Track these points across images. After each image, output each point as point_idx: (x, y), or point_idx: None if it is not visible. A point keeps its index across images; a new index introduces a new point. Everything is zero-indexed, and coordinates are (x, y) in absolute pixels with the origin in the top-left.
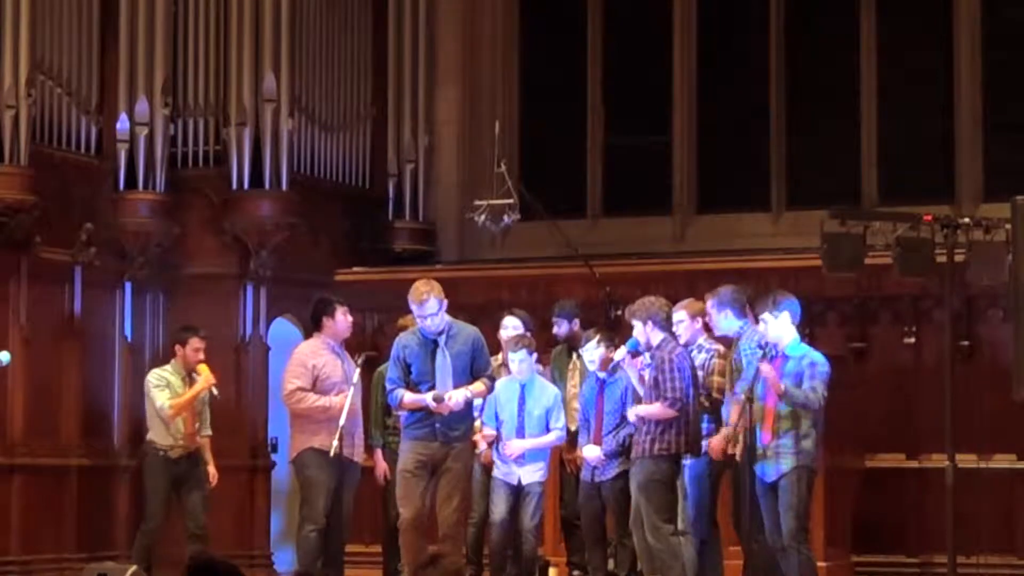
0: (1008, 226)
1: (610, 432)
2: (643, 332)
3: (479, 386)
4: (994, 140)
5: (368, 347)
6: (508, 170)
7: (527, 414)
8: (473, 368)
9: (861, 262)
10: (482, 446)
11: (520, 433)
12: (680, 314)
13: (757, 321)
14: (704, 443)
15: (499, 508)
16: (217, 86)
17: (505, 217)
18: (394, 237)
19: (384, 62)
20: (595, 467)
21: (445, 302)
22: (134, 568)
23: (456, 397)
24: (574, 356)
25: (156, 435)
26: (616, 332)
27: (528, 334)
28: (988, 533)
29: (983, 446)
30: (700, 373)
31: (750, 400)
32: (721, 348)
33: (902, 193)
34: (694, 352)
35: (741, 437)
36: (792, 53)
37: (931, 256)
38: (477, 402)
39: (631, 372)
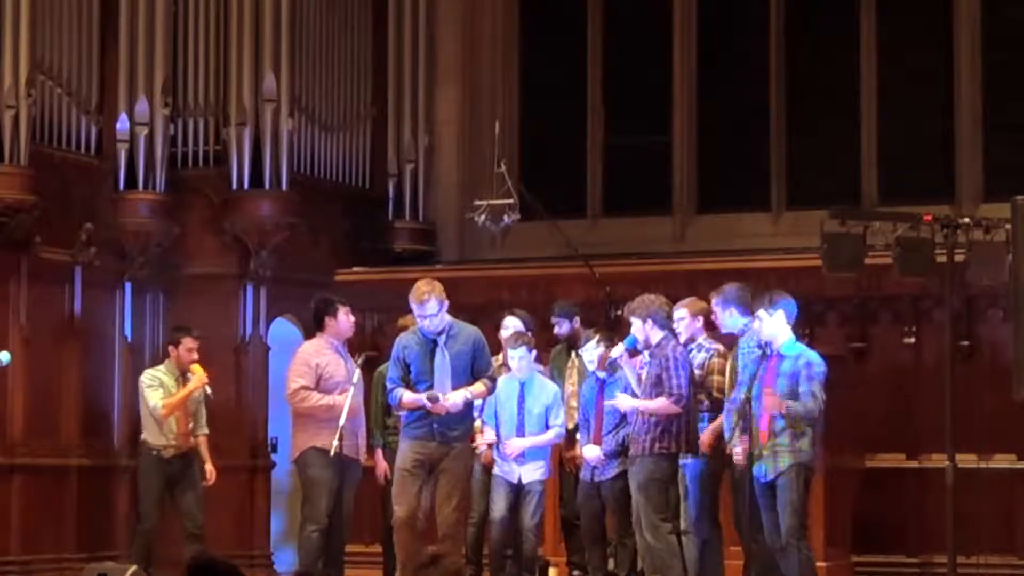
0: (1008, 226)
1: (610, 432)
2: (642, 330)
3: (479, 387)
4: (994, 140)
5: (368, 347)
6: (508, 170)
7: (527, 412)
8: (474, 368)
9: (861, 262)
10: (482, 448)
11: (520, 431)
12: (681, 312)
13: None
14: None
15: (499, 506)
16: (217, 86)
17: (505, 217)
18: (394, 237)
19: (384, 62)
20: (595, 467)
21: (446, 303)
22: (134, 568)
23: (454, 398)
24: (573, 355)
25: (149, 435)
26: (616, 332)
27: (528, 333)
28: (988, 533)
29: (983, 446)
30: (699, 372)
31: (748, 400)
32: (721, 347)
33: (902, 193)
34: (693, 351)
35: (739, 437)
36: (792, 53)
37: (931, 256)
38: (477, 402)
39: (628, 370)
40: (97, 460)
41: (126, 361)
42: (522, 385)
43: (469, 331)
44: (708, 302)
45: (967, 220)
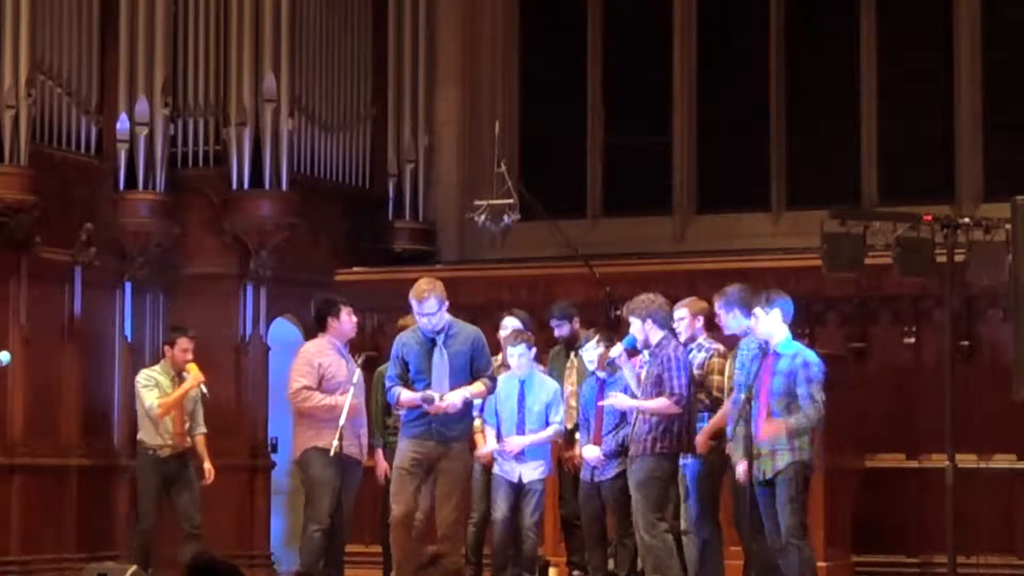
0: (1008, 226)
1: (609, 432)
2: (641, 330)
3: (478, 387)
4: (994, 140)
5: (368, 347)
6: (508, 170)
7: (527, 410)
8: (473, 368)
9: (861, 262)
10: (483, 449)
11: (520, 429)
12: (681, 311)
13: None
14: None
15: (501, 506)
16: (217, 86)
17: (505, 217)
18: (394, 237)
19: (384, 62)
20: (594, 467)
21: (446, 302)
22: (134, 568)
23: (452, 398)
24: (572, 356)
25: (146, 435)
26: (616, 332)
27: (522, 329)
28: (988, 533)
29: (983, 446)
30: (699, 372)
31: (749, 400)
32: (721, 347)
33: (902, 193)
34: (693, 351)
35: (741, 437)
36: (792, 53)
37: (931, 256)
38: (477, 401)
39: (627, 370)
40: (97, 460)
41: (126, 361)
42: (522, 383)
43: (469, 331)
44: (708, 302)
45: (967, 220)
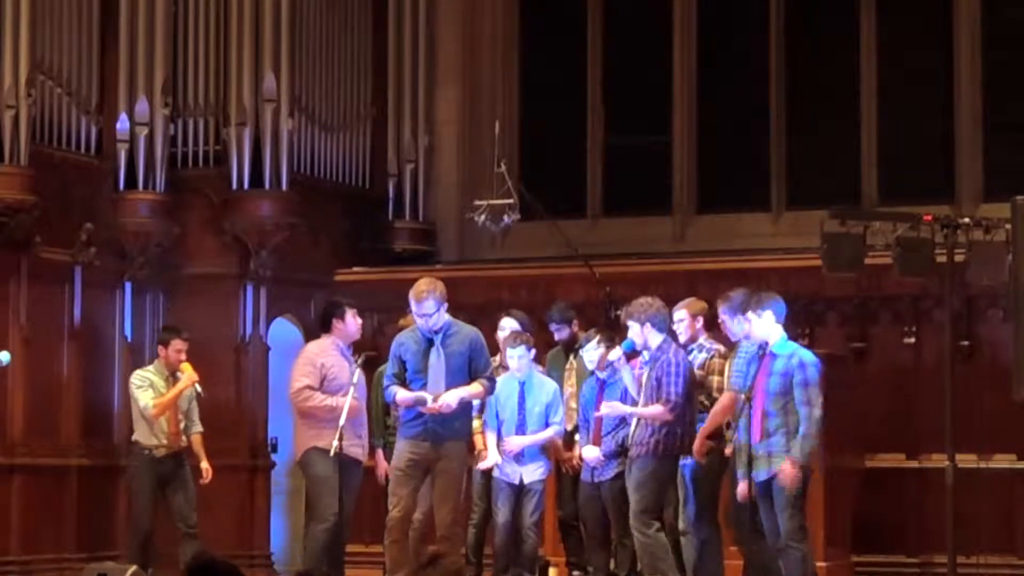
0: (1008, 226)
1: (609, 432)
2: (640, 334)
3: (475, 387)
4: (994, 140)
5: (368, 347)
6: (508, 170)
7: (527, 411)
8: (471, 369)
9: (861, 262)
10: (484, 463)
11: (521, 430)
12: (680, 313)
13: None
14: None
15: (502, 510)
16: (217, 86)
17: (505, 217)
18: (394, 237)
19: (384, 62)
20: (594, 467)
21: (445, 303)
22: (134, 568)
23: (446, 399)
24: (571, 358)
25: (141, 435)
26: (616, 332)
27: (522, 331)
28: (988, 533)
29: (983, 446)
30: (700, 372)
31: (748, 400)
32: (721, 348)
33: (902, 193)
34: (694, 352)
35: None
36: (792, 53)
37: (931, 256)
38: (476, 402)
39: (627, 374)
40: (97, 460)
41: (126, 361)
42: (522, 384)
43: (467, 331)
44: (708, 302)
45: (967, 220)
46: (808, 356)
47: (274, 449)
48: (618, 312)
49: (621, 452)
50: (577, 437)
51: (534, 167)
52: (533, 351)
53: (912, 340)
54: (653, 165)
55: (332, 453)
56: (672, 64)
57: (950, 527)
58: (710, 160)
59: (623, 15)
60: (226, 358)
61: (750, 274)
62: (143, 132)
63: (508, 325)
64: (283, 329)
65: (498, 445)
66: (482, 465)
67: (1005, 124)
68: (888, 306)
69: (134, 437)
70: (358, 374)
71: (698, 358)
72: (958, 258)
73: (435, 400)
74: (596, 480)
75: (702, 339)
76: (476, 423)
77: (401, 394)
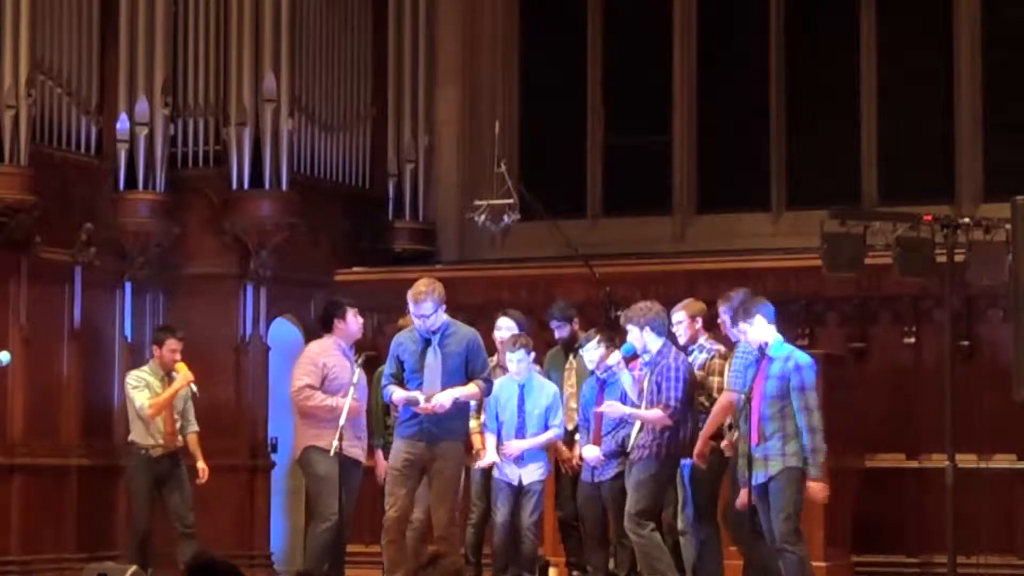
0: (1008, 226)
1: (609, 432)
2: (639, 338)
3: (471, 388)
4: (994, 140)
5: (368, 347)
6: (508, 170)
7: (527, 414)
8: (468, 370)
9: (861, 262)
10: (482, 461)
11: (520, 433)
12: (679, 315)
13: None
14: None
15: (501, 510)
16: (217, 86)
17: (505, 217)
18: (394, 237)
19: (384, 62)
20: (594, 467)
21: (444, 305)
22: (134, 568)
23: (440, 399)
24: (571, 357)
25: (137, 435)
26: (616, 332)
27: (521, 333)
28: (988, 533)
29: (983, 446)
30: (700, 373)
31: (748, 400)
32: (722, 348)
33: (902, 193)
34: (695, 352)
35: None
36: (792, 53)
37: (931, 256)
38: (473, 403)
39: (626, 378)
40: (97, 460)
41: (126, 361)
42: (521, 387)
43: (465, 332)
44: (708, 302)
45: (967, 220)
46: (804, 358)
47: (274, 449)
48: (618, 312)
49: (621, 452)
50: (577, 437)
51: (534, 167)
52: (532, 354)
53: (912, 340)
54: (653, 165)
55: (332, 453)
56: (672, 64)
57: (950, 527)
58: (710, 160)
59: (623, 15)
60: (226, 358)
61: (750, 274)
62: (143, 132)
63: (505, 325)
64: (283, 329)
65: (498, 448)
66: (480, 463)
67: (1005, 124)
68: (888, 306)
69: (130, 437)
70: (358, 374)
71: (698, 359)
72: (958, 258)
73: (428, 400)
74: (596, 480)
75: (702, 340)
76: (474, 423)
77: (397, 394)
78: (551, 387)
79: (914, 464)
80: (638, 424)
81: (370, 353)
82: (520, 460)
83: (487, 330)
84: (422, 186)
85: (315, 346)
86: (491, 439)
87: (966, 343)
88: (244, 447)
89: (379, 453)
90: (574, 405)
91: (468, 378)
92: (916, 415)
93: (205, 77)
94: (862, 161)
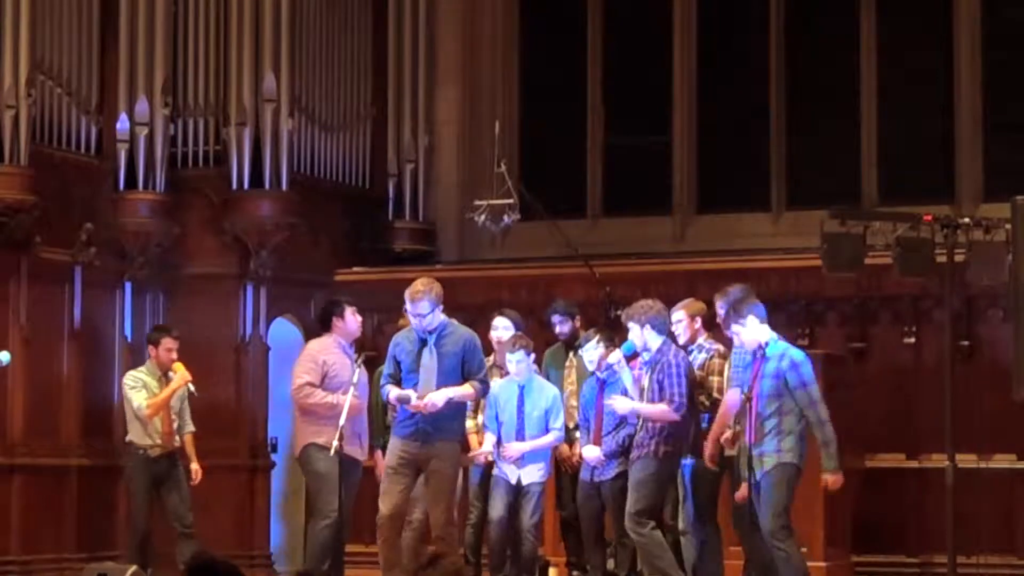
0: (1008, 226)
1: (609, 432)
2: (640, 336)
3: (466, 388)
4: (994, 140)
5: (368, 347)
6: (508, 170)
7: (526, 416)
8: (464, 370)
9: (861, 262)
10: (476, 452)
11: (520, 434)
12: (678, 314)
13: None
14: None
15: (498, 506)
16: (217, 86)
17: (505, 217)
18: (394, 237)
19: (384, 62)
20: (594, 467)
21: (441, 304)
22: (134, 568)
23: (433, 398)
24: (571, 355)
25: (135, 435)
26: (616, 332)
27: (521, 334)
28: (988, 533)
29: (983, 446)
30: (700, 373)
31: (748, 399)
32: (721, 348)
33: (902, 193)
34: (694, 352)
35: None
36: (792, 53)
37: (931, 256)
38: (470, 403)
39: (627, 376)
40: (97, 460)
41: (126, 361)
42: (521, 389)
43: (461, 332)
44: (708, 302)
45: (967, 220)
46: (797, 354)
47: (274, 449)
48: (618, 312)
49: (622, 451)
50: (578, 436)
51: (534, 167)
52: (532, 355)
53: (912, 340)
54: (653, 165)
55: (332, 452)
56: (672, 64)
57: (950, 527)
58: (710, 160)
59: (623, 15)
60: (226, 358)
61: (750, 274)
62: (143, 132)
63: (501, 324)
64: (283, 329)
65: (498, 450)
66: (474, 454)
67: (1005, 124)
68: (888, 306)
69: (128, 438)
70: (359, 373)
71: (698, 358)
72: (958, 258)
73: (420, 399)
74: (596, 480)
75: (701, 339)
76: (471, 424)
77: (393, 393)
78: (551, 389)
79: (914, 464)
80: (640, 422)
81: (370, 353)
82: (520, 461)
83: (487, 331)
84: (422, 186)
85: (315, 344)
86: (490, 439)
87: (966, 343)
88: (244, 447)
89: (379, 453)
90: (574, 403)
91: (464, 379)
92: (916, 415)
93: (205, 77)
94: (862, 161)
